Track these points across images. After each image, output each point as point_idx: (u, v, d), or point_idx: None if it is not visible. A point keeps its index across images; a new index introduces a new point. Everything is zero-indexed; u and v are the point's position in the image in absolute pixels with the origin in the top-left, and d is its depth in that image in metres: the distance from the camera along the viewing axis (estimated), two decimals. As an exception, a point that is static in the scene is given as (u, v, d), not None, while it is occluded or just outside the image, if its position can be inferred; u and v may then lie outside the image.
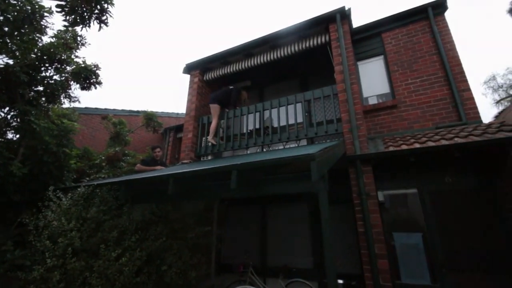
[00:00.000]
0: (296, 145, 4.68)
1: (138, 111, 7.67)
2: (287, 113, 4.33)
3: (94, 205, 2.87)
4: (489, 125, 3.47)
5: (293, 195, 4.68)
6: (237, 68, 5.41)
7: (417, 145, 3.28)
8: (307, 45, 4.71)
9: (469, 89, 4.00)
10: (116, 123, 5.51)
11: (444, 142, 3.14)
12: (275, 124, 4.58)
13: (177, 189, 2.24)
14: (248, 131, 4.75)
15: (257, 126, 4.74)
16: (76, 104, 4.80)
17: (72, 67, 4.55)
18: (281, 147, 4.90)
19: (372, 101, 4.75)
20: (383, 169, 3.64)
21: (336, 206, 4.23)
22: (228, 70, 5.51)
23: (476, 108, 3.91)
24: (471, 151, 3.11)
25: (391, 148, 3.44)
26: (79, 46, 4.78)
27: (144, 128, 6.68)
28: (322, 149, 1.94)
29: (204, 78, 5.82)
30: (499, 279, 2.93)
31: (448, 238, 3.25)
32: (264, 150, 4.98)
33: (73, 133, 4.41)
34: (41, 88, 4.20)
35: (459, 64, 4.16)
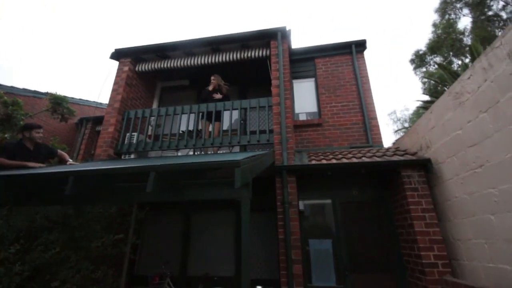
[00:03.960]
0: (229, 151, 4.66)
1: (46, 93, 6.33)
2: (222, 119, 4.29)
3: (-47, 205, 2.16)
4: (388, 149, 4.21)
5: (220, 201, 4.59)
6: (175, 64, 5.11)
7: (334, 161, 3.69)
8: (249, 55, 4.83)
9: (376, 118, 4.77)
10: (7, 103, 4.31)
11: (354, 160, 3.63)
12: (210, 128, 4.46)
13: (80, 189, 1.87)
14: (181, 132, 4.49)
15: (191, 128, 4.53)
16: None
17: None
18: (214, 152, 4.80)
19: (302, 117, 5.16)
20: (305, 181, 3.94)
21: (261, 214, 4.35)
22: (166, 65, 5.15)
23: (380, 134, 4.68)
24: (373, 169, 3.68)
25: (313, 162, 3.77)
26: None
27: (49, 114, 5.46)
28: (249, 157, 1.95)
29: (136, 69, 5.28)
30: (388, 277, 3.50)
31: (352, 243, 3.71)
32: (197, 153, 4.79)
33: None
34: None
35: (370, 96, 4.94)
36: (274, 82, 4.43)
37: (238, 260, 4.50)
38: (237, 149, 4.74)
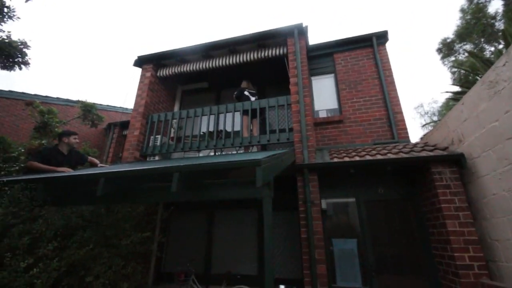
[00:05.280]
0: (250, 150, 4.69)
1: (77, 101, 6.81)
2: (242, 119, 4.32)
3: (1, 206, 2.38)
4: (415, 144, 3.99)
5: (242, 200, 4.63)
6: (194, 68, 5.23)
7: (357, 158, 3.57)
8: (266, 54, 4.83)
9: (401, 112, 4.55)
10: (43, 112, 4.71)
11: (379, 156, 3.49)
12: (229, 129, 4.52)
13: (110, 190, 1.99)
14: (201, 133, 4.59)
15: (211, 129, 4.62)
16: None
17: (-8, 40, 3.81)
18: (235, 152, 4.85)
19: (322, 114, 5.06)
20: (327, 179, 3.86)
21: (284, 213, 4.33)
22: (185, 69, 5.29)
23: (406, 129, 4.46)
24: (400, 165, 3.51)
25: (335, 160, 3.68)
26: (5, 19, 4.05)
27: (81, 121, 5.86)
28: (270, 155, 1.95)
29: (158, 74, 5.48)
30: (418, 279, 3.33)
31: (378, 243, 3.58)
32: (217, 153, 4.87)
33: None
34: None
35: (394, 89, 4.72)
36: (292, 80, 4.39)
37: (260, 259, 4.52)
38: (256, 149, 4.76)
